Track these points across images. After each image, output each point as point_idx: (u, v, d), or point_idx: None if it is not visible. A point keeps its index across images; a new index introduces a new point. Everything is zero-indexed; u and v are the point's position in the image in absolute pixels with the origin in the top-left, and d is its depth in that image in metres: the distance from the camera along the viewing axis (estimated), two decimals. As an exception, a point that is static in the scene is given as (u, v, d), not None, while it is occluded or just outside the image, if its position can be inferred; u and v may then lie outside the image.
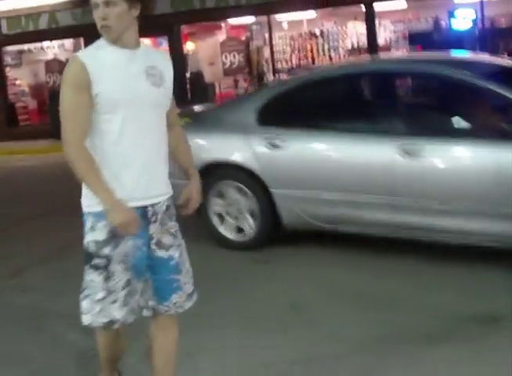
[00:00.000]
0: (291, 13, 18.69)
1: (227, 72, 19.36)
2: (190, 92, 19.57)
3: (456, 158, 5.86)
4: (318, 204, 6.31)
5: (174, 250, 3.37)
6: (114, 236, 3.17)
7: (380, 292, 5.44)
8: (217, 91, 19.79)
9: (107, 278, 3.21)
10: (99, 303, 3.23)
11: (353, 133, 6.30)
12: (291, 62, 19.28)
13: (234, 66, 19.27)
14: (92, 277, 3.24)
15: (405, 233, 5.98)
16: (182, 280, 3.40)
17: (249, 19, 19.43)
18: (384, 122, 6.20)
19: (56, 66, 20.50)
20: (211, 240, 6.92)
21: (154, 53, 3.46)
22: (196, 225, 6.52)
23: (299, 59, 19.25)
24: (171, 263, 3.35)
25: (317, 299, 5.41)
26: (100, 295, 3.22)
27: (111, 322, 3.26)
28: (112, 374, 3.74)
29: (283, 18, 19.17)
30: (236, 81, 19.52)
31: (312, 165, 6.37)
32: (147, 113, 3.23)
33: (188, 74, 19.69)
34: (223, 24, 19.84)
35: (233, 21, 19.54)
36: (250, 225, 6.68)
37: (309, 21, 19.34)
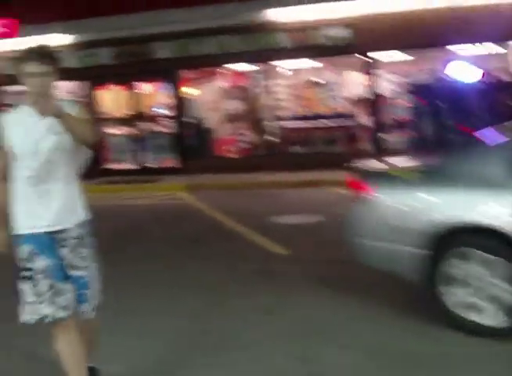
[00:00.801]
0: (292, 61, 18.82)
1: (228, 118, 19.41)
2: (191, 138, 19.64)
3: None
4: None
5: (84, 270, 4.22)
6: (32, 255, 4.07)
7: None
8: (216, 137, 19.86)
9: (34, 285, 4.07)
10: (30, 305, 4.10)
11: None
12: (291, 110, 19.26)
13: (235, 112, 19.33)
14: (23, 286, 4.13)
15: None
16: (89, 294, 4.25)
17: (250, 67, 19.50)
18: None
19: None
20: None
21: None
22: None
23: (299, 107, 19.24)
24: (82, 281, 4.21)
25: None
26: (30, 299, 4.10)
27: (41, 318, 4.10)
28: None
29: (284, 66, 19.23)
30: (236, 128, 19.55)
31: None
32: (56, 157, 4.06)
33: (189, 119, 19.75)
34: (224, 71, 19.89)
35: (235, 67, 19.61)
36: None
37: (309, 70, 19.40)
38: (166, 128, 20.16)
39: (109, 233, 11.17)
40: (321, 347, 5.40)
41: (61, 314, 4.09)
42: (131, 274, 8.26)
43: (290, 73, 19.41)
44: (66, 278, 4.12)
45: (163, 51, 19.31)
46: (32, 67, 4.00)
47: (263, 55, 18.55)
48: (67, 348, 4.21)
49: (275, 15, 18.22)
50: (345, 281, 7.34)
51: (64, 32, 19.63)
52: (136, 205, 14.84)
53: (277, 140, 19.14)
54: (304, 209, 12.50)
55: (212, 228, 11.18)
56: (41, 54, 4.05)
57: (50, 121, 3.96)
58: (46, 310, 4.06)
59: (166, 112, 20.31)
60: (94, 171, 19.25)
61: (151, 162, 20.13)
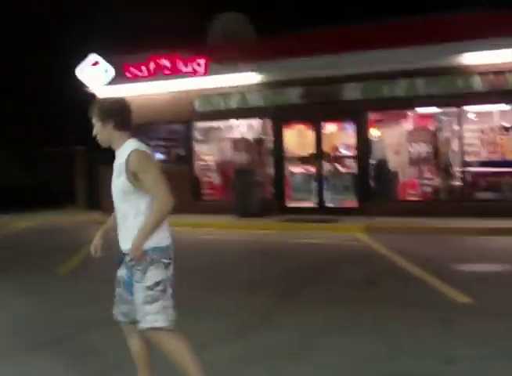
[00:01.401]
0: (483, 105, 18.27)
1: (412, 162, 19.04)
2: (373, 179, 19.43)
3: None
4: None
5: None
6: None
7: None
8: (398, 180, 19.48)
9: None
10: None
11: None
12: (480, 155, 18.52)
13: (420, 156, 18.93)
14: None
15: None
16: (139, 313, 4.72)
17: (438, 110, 19.09)
18: None
19: (243, 145, 21.07)
20: None
21: (125, 151, 4.79)
22: None
23: (489, 153, 18.48)
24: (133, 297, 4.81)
25: None
26: None
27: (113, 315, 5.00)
28: None
29: (473, 109, 18.64)
30: (420, 171, 19.10)
31: None
32: (117, 196, 4.83)
33: (372, 161, 19.53)
34: (410, 113, 19.59)
35: (423, 110, 19.27)
36: None
37: (500, 114, 18.65)
38: (348, 168, 20.09)
39: (285, 272, 11.14)
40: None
41: (119, 318, 4.98)
42: (304, 316, 8.13)
43: (481, 117, 18.77)
44: (124, 289, 4.91)
45: (351, 92, 19.32)
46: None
47: (454, 99, 18.12)
48: (131, 348, 5.01)
49: (468, 58, 17.81)
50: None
51: (252, 71, 20.20)
52: (313, 244, 14.74)
53: (462, 185, 18.49)
54: (490, 257, 11.89)
55: (390, 272, 10.85)
56: (92, 108, 4.88)
57: (118, 164, 4.77)
58: (114, 310, 4.98)
59: (349, 152, 20.26)
60: (274, 208, 19.78)
61: (331, 202, 20.08)
